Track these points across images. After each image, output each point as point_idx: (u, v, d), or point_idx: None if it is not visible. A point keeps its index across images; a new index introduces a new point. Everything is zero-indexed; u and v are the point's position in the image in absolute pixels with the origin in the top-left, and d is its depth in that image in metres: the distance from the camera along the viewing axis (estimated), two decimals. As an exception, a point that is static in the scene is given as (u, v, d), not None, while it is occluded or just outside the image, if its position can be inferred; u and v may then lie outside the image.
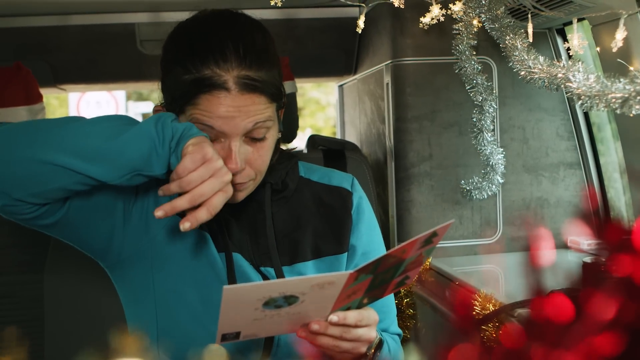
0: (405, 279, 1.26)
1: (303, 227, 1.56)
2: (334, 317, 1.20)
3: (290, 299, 1.11)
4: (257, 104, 1.36)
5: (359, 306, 1.25)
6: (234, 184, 1.37)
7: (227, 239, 1.47)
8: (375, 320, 1.30)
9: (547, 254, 0.52)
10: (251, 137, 1.39)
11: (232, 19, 1.43)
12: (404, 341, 2.41)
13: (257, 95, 1.36)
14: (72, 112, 13.01)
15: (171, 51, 1.43)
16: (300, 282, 1.11)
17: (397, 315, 1.70)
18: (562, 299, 0.41)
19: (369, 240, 1.63)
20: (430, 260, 2.42)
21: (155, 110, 1.49)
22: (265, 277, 1.49)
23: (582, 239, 2.42)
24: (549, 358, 0.39)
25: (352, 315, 1.23)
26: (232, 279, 1.44)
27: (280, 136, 1.51)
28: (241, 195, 1.45)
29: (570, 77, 1.66)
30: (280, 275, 1.49)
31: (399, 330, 1.67)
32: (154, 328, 1.48)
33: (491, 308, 1.81)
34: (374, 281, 1.19)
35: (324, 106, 15.36)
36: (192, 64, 1.35)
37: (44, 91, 2.64)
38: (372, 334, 1.30)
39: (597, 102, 1.58)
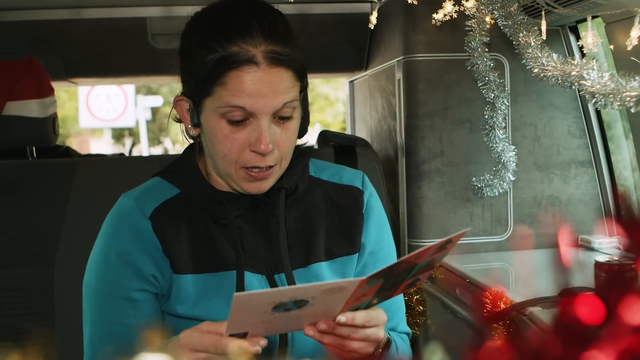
0: (415, 280, 1.26)
1: (315, 228, 1.55)
2: (342, 318, 1.19)
3: (300, 303, 1.11)
4: (284, 80, 1.37)
5: (368, 306, 1.24)
6: (262, 167, 1.39)
7: (242, 257, 1.47)
8: (383, 321, 1.29)
9: (566, 252, 0.51)
10: (279, 117, 1.39)
11: (252, 2, 1.44)
12: (414, 338, 2.41)
13: (285, 69, 1.37)
14: (82, 106, 13.05)
15: (192, 37, 1.43)
16: (311, 288, 1.11)
17: (407, 313, 1.70)
18: (590, 298, 0.40)
19: (378, 238, 1.62)
20: (440, 257, 2.41)
21: (175, 101, 1.48)
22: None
23: (594, 238, 2.41)
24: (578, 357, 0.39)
25: (360, 316, 1.22)
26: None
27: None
28: (266, 184, 1.45)
29: (585, 75, 1.65)
30: (291, 281, 1.48)
31: (408, 329, 1.66)
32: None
33: (502, 306, 1.81)
34: (385, 284, 1.18)
35: (332, 102, 15.37)
36: (218, 43, 1.35)
37: (55, 84, 2.64)
38: (380, 333, 1.29)
39: (612, 100, 1.57)
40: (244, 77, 1.34)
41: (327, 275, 1.53)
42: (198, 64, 1.38)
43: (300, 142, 2.06)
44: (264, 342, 1.15)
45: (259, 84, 1.34)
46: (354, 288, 1.11)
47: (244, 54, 1.33)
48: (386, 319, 1.30)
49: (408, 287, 1.28)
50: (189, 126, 1.47)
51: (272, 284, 1.48)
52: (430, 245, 1.15)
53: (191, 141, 1.58)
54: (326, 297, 1.12)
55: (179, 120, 1.54)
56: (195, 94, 1.41)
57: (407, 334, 1.65)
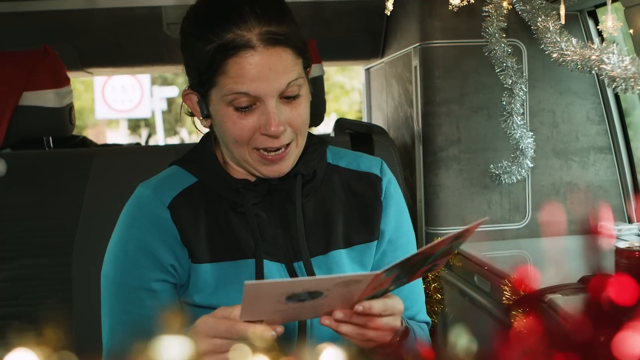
0: (433, 266, 1.24)
1: (334, 216, 1.54)
2: (359, 307, 1.18)
3: (314, 294, 1.09)
4: (284, 59, 1.36)
5: (385, 293, 1.23)
6: (273, 150, 1.39)
7: (260, 245, 1.46)
8: (400, 310, 1.28)
9: (585, 239, 0.50)
10: (285, 97, 1.39)
11: None
12: (432, 327, 2.40)
13: (283, 48, 1.36)
14: (98, 97, 13.09)
15: (188, 31, 1.44)
16: (324, 280, 1.09)
17: (425, 301, 1.68)
18: (619, 280, 0.39)
19: (397, 226, 1.61)
20: (458, 245, 2.40)
21: (184, 94, 1.48)
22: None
23: (614, 225, 2.39)
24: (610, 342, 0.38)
25: (377, 305, 1.21)
26: None
27: (311, 98, 1.50)
28: (285, 166, 1.44)
29: (605, 59, 1.63)
30: (309, 269, 1.47)
31: (428, 318, 1.65)
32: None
33: (521, 293, 1.79)
34: (401, 274, 1.17)
35: (348, 91, 15.34)
36: (213, 33, 1.35)
37: (70, 75, 2.64)
38: (396, 322, 1.28)
39: (633, 84, 1.55)
40: (243, 62, 1.33)
41: (345, 263, 1.52)
42: (198, 57, 1.38)
43: (317, 132, 2.05)
44: (280, 329, 1.14)
45: (259, 67, 1.33)
46: (369, 281, 1.10)
47: (239, 40, 1.33)
48: (403, 308, 1.29)
49: (425, 273, 1.27)
50: (200, 118, 1.47)
51: (292, 272, 1.48)
52: (446, 237, 1.13)
53: (206, 130, 1.57)
54: (341, 289, 1.11)
55: (192, 114, 1.54)
56: (201, 86, 1.41)
57: (427, 323, 1.64)
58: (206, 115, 1.45)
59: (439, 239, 1.13)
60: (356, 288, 1.12)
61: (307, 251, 1.48)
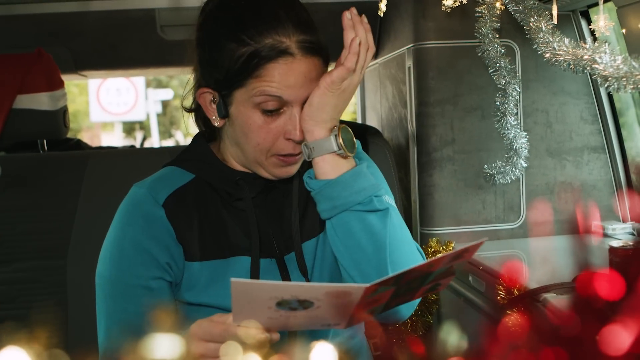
0: (436, 285, 1.23)
1: (310, 203, 1.54)
2: None
3: (305, 304, 1.08)
4: (317, 68, 1.38)
5: (386, 309, 1.22)
6: (295, 154, 1.41)
7: (258, 240, 1.46)
8: None
9: (579, 238, 0.51)
10: (304, 103, 1.40)
11: None
12: (427, 326, 2.41)
13: (318, 58, 1.38)
14: (92, 100, 13.07)
15: (215, 29, 1.41)
16: (313, 288, 1.08)
17: (420, 301, 1.68)
18: (607, 275, 0.40)
19: None
20: (453, 244, 2.41)
21: (200, 94, 1.46)
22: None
23: (607, 224, 2.40)
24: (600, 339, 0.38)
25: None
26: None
27: None
28: (294, 169, 1.47)
29: (597, 59, 1.64)
30: (300, 257, 1.48)
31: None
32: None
33: (515, 293, 1.80)
34: (399, 290, 1.16)
35: (343, 92, 15.31)
36: (248, 35, 1.34)
37: (64, 77, 2.64)
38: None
39: (625, 83, 1.55)
40: (281, 68, 1.33)
41: (325, 245, 1.52)
42: (227, 58, 1.36)
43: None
44: (276, 336, 1.14)
45: (296, 74, 1.34)
46: (360, 294, 1.08)
47: (278, 46, 1.33)
48: None
49: (428, 292, 1.26)
50: (214, 117, 1.46)
51: (282, 265, 1.48)
52: (445, 254, 1.13)
53: (199, 130, 1.57)
54: (333, 300, 1.09)
55: (190, 110, 1.54)
56: (225, 86, 1.39)
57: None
58: (224, 116, 1.45)
59: (435, 257, 1.12)
60: (348, 301, 1.10)
61: (300, 243, 1.49)
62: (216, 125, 1.47)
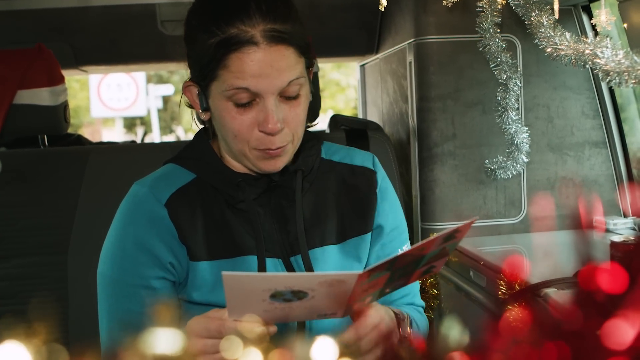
0: (431, 268, 1.23)
1: (328, 210, 1.54)
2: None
3: (299, 294, 1.07)
4: (286, 57, 1.36)
5: (381, 295, 1.22)
6: (273, 148, 1.38)
7: (262, 241, 1.46)
8: (380, 317, 1.27)
9: (580, 233, 0.51)
10: (286, 96, 1.39)
11: None
12: (429, 321, 2.40)
13: (286, 46, 1.36)
14: (93, 95, 13.07)
15: (193, 23, 1.43)
16: (305, 278, 1.07)
17: (421, 296, 1.69)
18: (609, 269, 0.39)
19: (394, 216, 1.62)
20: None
21: (184, 87, 1.48)
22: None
23: (608, 219, 2.40)
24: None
25: (348, 336, 1.21)
26: None
27: (311, 98, 1.50)
28: (280, 162, 1.44)
29: (598, 53, 1.63)
30: (307, 262, 1.47)
31: (422, 302, 1.66)
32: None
33: (516, 288, 1.80)
34: (393, 276, 1.15)
35: (344, 88, 15.35)
36: (217, 26, 1.35)
37: (65, 73, 2.64)
38: (385, 325, 1.27)
39: (626, 78, 1.55)
40: (245, 58, 1.33)
41: (340, 257, 1.52)
42: (200, 49, 1.38)
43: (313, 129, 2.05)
44: (273, 328, 1.14)
45: (261, 64, 1.33)
46: (354, 281, 1.07)
47: (242, 35, 1.33)
48: (380, 317, 1.28)
49: (424, 274, 1.25)
50: (200, 111, 1.47)
51: (288, 266, 1.48)
52: (436, 236, 1.12)
53: (202, 126, 1.57)
54: (327, 289, 1.08)
55: (191, 106, 1.54)
56: (201, 78, 1.41)
57: (422, 306, 1.65)
58: (205, 109, 1.45)
59: (427, 239, 1.12)
60: (343, 289, 1.10)
61: (306, 244, 1.48)
62: (203, 118, 1.49)
